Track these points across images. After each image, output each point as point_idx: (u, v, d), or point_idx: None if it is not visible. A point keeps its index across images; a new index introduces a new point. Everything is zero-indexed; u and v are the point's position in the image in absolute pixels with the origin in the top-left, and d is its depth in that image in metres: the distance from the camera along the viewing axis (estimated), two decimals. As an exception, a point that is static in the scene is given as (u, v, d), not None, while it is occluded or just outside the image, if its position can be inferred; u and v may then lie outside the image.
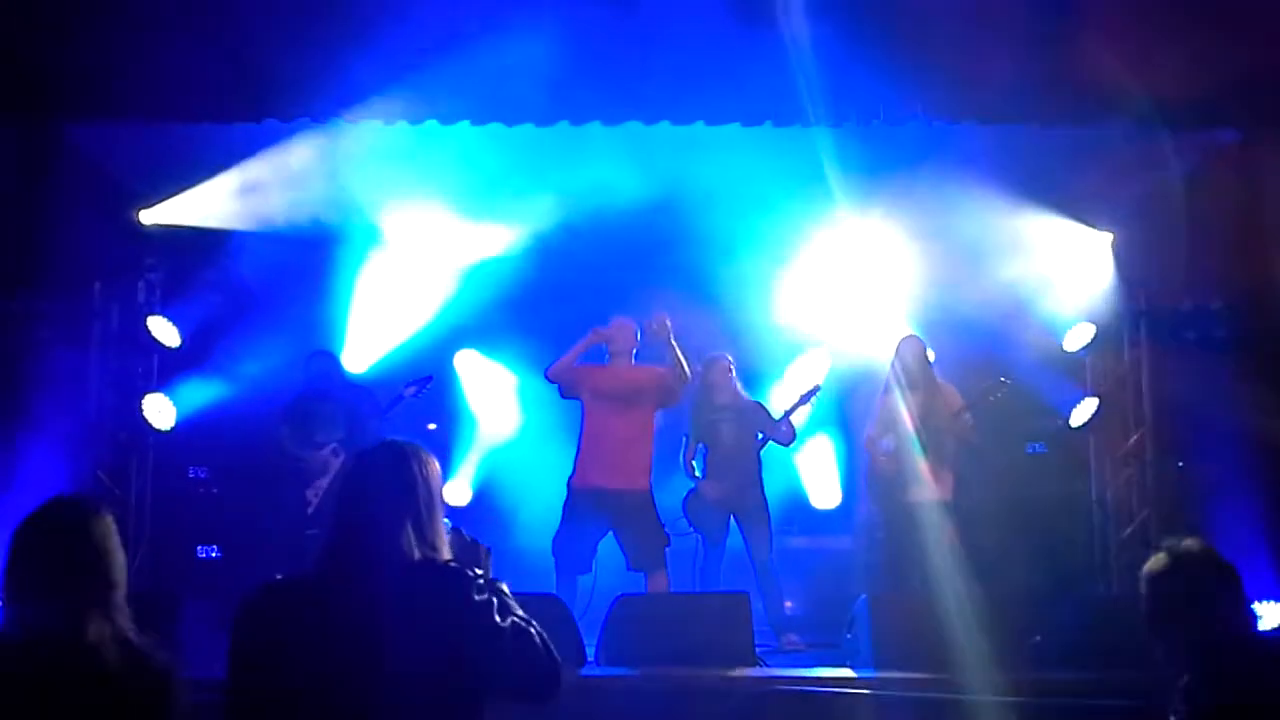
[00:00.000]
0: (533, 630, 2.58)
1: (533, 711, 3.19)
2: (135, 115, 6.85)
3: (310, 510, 7.08)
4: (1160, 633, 2.95)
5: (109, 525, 2.57)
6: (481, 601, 2.51)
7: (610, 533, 6.68)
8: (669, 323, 6.65)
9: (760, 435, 7.20)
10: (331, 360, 7.57)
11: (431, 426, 8.58)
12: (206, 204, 7.83)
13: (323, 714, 2.43)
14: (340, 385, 7.48)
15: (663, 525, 6.76)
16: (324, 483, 7.15)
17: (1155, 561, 2.98)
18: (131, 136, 7.21)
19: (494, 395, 8.99)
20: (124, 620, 2.49)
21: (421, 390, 7.30)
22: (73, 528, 2.52)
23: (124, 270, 7.84)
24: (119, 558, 2.55)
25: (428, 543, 2.59)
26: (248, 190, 7.74)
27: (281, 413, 7.34)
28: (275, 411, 7.38)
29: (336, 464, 7.18)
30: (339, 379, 7.52)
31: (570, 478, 6.79)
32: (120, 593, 2.52)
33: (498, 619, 2.51)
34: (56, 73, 6.53)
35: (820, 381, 7.49)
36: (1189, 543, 2.98)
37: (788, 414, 7.27)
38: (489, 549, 2.76)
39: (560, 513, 6.75)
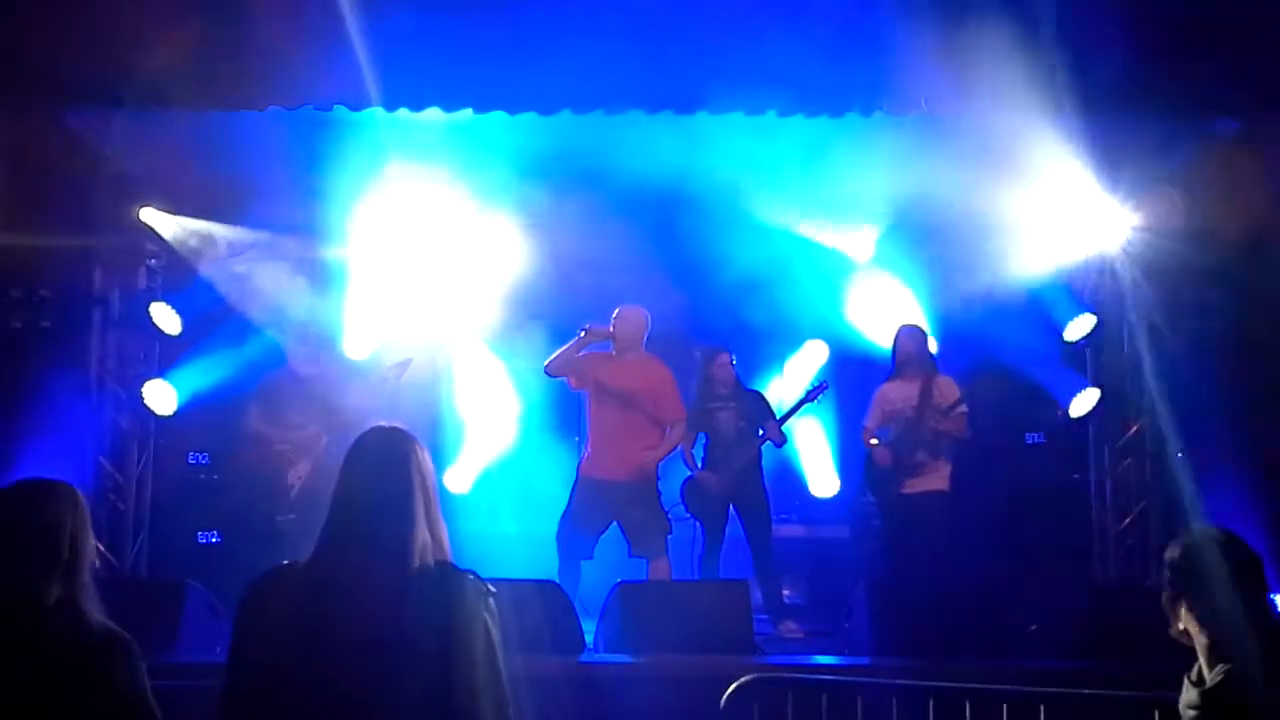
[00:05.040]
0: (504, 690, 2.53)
1: (531, 698, 3.22)
2: (136, 102, 6.83)
3: (293, 495, 7.00)
4: (1181, 606, 3.00)
5: (72, 505, 2.72)
6: (483, 624, 2.51)
7: (614, 521, 6.69)
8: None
9: (760, 431, 7.19)
10: (324, 339, 7.52)
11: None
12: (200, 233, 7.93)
13: (319, 704, 2.43)
14: (322, 363, 7.39)
15: (665, 513, 6.78)
16: (306, 466, 7.08)
17: (1177, 541, 3.06)
18: (132, 121, 7.19)
19: (492, 382, 8.97)
20: (82, 594, 2.65)
21: (403, 371, 7.26)
22: (32, 505, 2.69)
23: (125, 256, 7.83)
24: (80, 536, 2.70)
25: (430, 531, 2.59)
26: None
27: (252, 392, 7.30)
28: (248, 391, 7.36)
29: (321, 446, 7.10)
30: (325, 357, 7.45)
31: (579, 465, 6.82)
32: (82, 568, 2.68)
33: (487, 650, 2.51)
34: (55, 57, 6.51)
35: (825, 381, 7.46)
36: (1214, 529, 3.07)
37: (792, 411, 7.28)
38: None
39: (565, 498, 6.76)
